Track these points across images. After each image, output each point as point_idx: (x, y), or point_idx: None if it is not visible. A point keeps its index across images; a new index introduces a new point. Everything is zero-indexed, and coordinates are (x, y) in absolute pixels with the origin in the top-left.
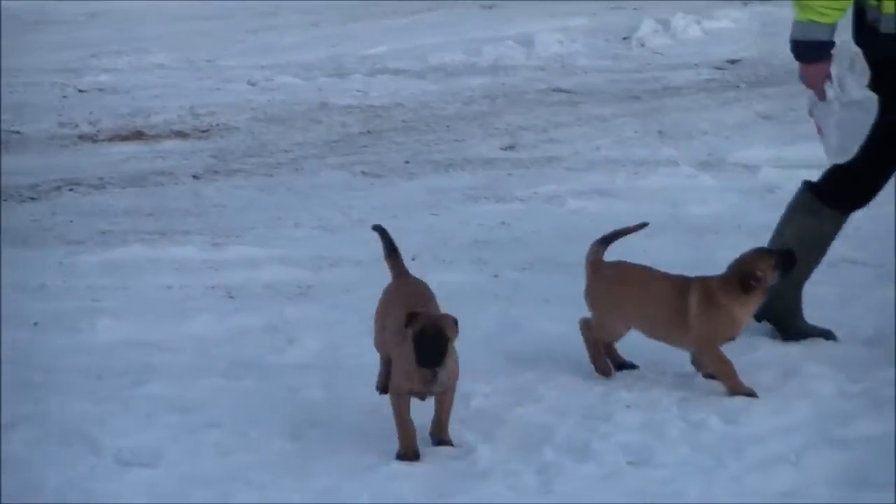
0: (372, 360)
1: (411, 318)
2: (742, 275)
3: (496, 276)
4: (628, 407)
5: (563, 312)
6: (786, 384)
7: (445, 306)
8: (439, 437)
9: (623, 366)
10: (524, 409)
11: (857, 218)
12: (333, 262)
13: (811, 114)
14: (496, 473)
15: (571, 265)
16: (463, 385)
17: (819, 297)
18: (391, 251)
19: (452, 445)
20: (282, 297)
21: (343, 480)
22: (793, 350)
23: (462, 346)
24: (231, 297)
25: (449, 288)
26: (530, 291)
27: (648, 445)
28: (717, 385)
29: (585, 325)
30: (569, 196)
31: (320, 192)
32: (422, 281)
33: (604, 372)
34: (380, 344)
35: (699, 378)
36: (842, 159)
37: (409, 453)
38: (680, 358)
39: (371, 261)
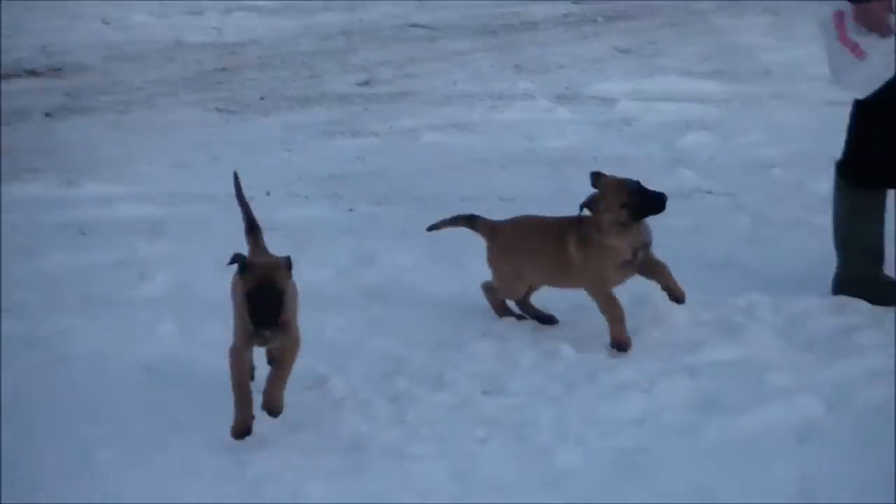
0: (225, 295)
1: (240, 264)
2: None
3: (351, 210)
4: (482, 336)
5: (417, 245)
6: (638, 313)
7: (301, 241)
8: (270, 401)
9: (540, 318)
10: (377, 340)
11: (710, 148)
12: (187, 199)
13: (842, 40)
14: (349, 403)
15: (426, 199)
16: (315, 318)
17: (672, 227)
18: (251, 227)
19: (278, 414)
20: (135, 234)
21: (197, 414)
22: (644, 279)
23: (316, 279)
24: (83, 234)
25: (304, 223)
26: (385, 225)
27: (501, 374)
28: (571, 315)
29: (488, 289)
30: (425, 130)
31: (174, 130)
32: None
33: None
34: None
35: (550, 307)
36: (863, 93)
37: (242, 431)
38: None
39: (224, 197)
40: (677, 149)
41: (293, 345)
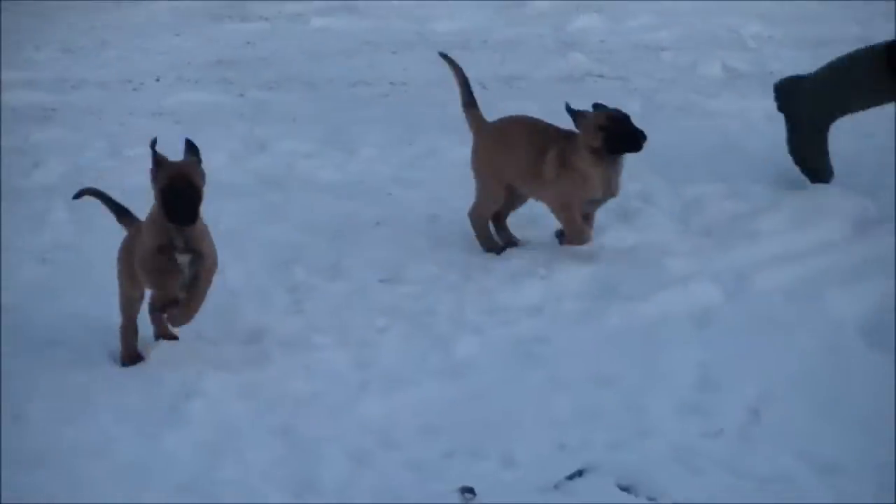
0: (120, 183)
1: (156, 164)
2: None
3: (242, 95)
4: (378, 224)
5: (310, 131)
6: (532, 202)
7: (192, 127)
8: (179, 318)
9: (511, 243)
10: (273, 228)
11: (601, 31)
12: (77, 84)
13: None
14: (247, 293)
15: (317, 84)
16: (210, 205)
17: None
18: (120, 214)
19: (177, 339)
20: (26, 120)
21: (92, 302)
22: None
23: (209, 166)
24: None
25: (194, 108)
26: (276, 110)
27: (398, 262)
28: (465, 201)
29: (471, 215)
30: (313, 14)
31: (62, 14)
32: None
33: (493, 249)
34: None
35: (446, 193)
36: None
37: (131, 358)
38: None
39: (115, 82)
40: (568, 32)
41: (210, 266)
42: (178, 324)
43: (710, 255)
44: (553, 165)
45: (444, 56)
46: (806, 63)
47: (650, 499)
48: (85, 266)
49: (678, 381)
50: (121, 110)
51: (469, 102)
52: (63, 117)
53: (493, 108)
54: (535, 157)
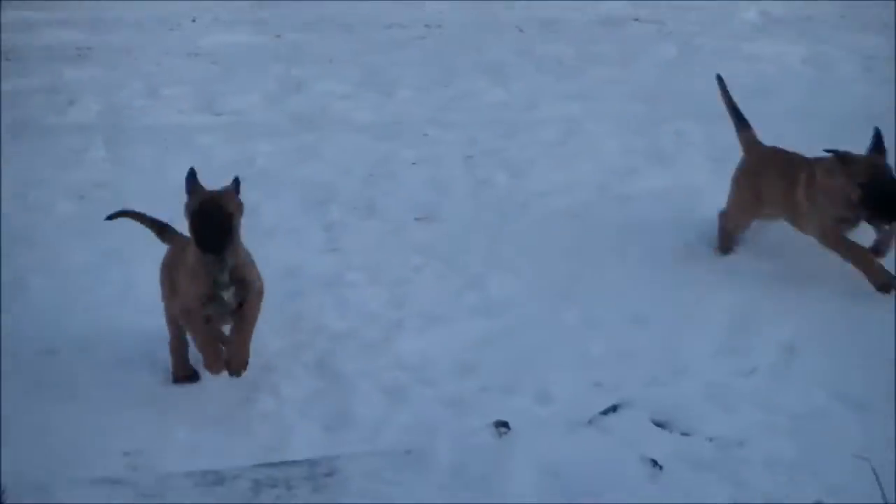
0: (156, 122)
1: (190, 193)
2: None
3: (278, 36)
4: (413, 164)
5: (346, 73)
6: (569, 141)
7: (227, 68)
8: (235, 357)
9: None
10: (308, 167)
11: None
12: (112, 24)
13: None
14: (282, 231)
15: (353, 25)
16: (245, 146)
17: (601, 54)
18: (161, 230)
19: (242, 372)
20: (60, 60)
21: (125, 241)
22: (575, 107)
23: (244, 106)
24: (7, 60)
25: (230, 49)
26: (312, 52)
27: (434, 202)
28: (501, 142)
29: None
30: None
31: None
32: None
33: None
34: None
35: (482, 135)
36: None
37: (185, 375)
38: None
39: (151, 22)
40: None
41: (255, 296)
42: (235, 369)
43: None
44: (804, 194)
45: (719, 80)
46: (841, 7)
47: (684, 434)
48: (121, 204)
49: (712, 322)
50: (156, 50)
51: (742, 127)
52: (98, 56)
53: (530, 53)
54: (787, 188)
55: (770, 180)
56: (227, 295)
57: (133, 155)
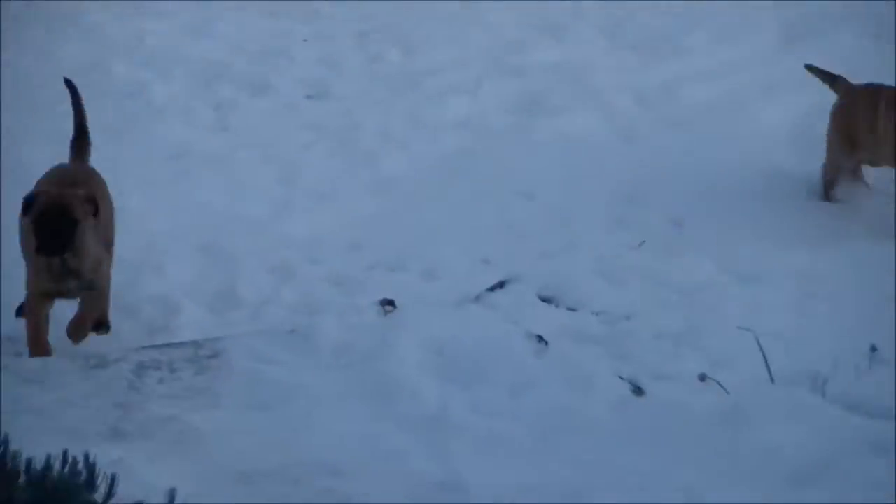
0: None
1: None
2: None
3: None
4: (305, 41)
5: None
6: (462, 13)
7: None
8: (76, 334)
9: None
10: (199, 45)
11: None
12: None
13: None
14: (172, 110)
15: None
16: (134, 22)
17: None
18: (79, 135)
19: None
20: None
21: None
22: None
23: None
24: None
25: None
26: None
27: (326, 79)
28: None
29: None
30: None
31: None
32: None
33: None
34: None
35: (377, 9)
36: None
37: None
38: None
39: None
40: None
41: (99, 298)
42: (74, 341)
43: (636, 70)
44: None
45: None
46: None
47: (570, 309)
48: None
49: (603, 190)
50: None
51: (832, 81)
52: None
53: None
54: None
55: (858, 114)
56: (71, 287)
57: (23, 37)
